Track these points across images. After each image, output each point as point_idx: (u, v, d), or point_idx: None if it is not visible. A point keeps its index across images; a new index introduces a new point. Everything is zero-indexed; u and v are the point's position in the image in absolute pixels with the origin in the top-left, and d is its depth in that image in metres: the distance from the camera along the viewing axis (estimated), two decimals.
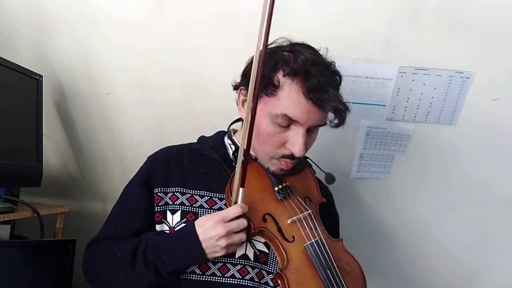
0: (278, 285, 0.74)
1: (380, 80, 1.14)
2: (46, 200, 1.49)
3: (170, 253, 0.70)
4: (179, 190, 0.82)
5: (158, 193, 0.82)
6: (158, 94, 1.27)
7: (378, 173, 1.29)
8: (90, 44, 1.24)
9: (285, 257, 0.73)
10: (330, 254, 0.75)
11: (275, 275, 0.74)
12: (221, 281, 0.75)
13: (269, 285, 0.77)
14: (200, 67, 1.21)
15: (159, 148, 0.91)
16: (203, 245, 0.69)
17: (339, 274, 0.74)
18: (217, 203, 0.81)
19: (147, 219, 0.81)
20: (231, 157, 0.87)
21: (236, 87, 0.85)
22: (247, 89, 0.77)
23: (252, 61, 0.77)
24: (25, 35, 1.28)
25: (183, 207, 0.80)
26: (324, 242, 0.76)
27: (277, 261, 0.77)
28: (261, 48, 0.66)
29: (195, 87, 1.24)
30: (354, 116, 1.19)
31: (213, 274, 0.75)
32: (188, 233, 0.71)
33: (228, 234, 0.70)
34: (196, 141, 0.92)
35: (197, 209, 0.80)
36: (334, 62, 0.80)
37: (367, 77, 1.14)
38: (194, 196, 0.81)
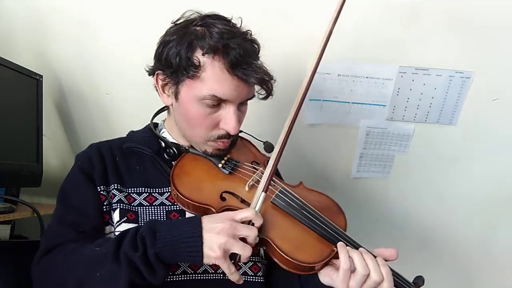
0: (262, 251, 0.70)
1: (380, 80, 1.14)
2: (46, 200, 1.49)
3: (166, 230, 0.62)
4: (116, 187, 0.77)
5: (102, 192, 0.76)
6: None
7: (378, 173, 1.29)
8: (90, 44, 1.24)
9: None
10: (298, 196, 0.74)
11: (259, 244, 0.67)
12: (205, 278, 0.74)
13: (248, 275, 0.76)
14: None
15: None
16: (203, 233, 0.60)
17: (315, 210, 0.72)
18: (157, 199, 0.77)
19: (102, 216, 0.75)
20: (164, 152, 0.81)
21: (151, 72, 0.80)
22: (165, 73, 0.75)
23: (162, 42, 0.75)
24: (25, 35, 1.28)
25: (121, 205, 0.75)
26: (288, 189, 0.75)
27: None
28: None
29: None
30: (354, 116, 1.19)
31: (206, 272, 0.74)
32: (193, 218, 0.65)
33: (233, 232, 0.61)
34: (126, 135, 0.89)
35: (136, 207, 0.76)
36: (250, 30, 0.77)
37: (367, 77, 1.14)
38: (131, 194, 0.77)
